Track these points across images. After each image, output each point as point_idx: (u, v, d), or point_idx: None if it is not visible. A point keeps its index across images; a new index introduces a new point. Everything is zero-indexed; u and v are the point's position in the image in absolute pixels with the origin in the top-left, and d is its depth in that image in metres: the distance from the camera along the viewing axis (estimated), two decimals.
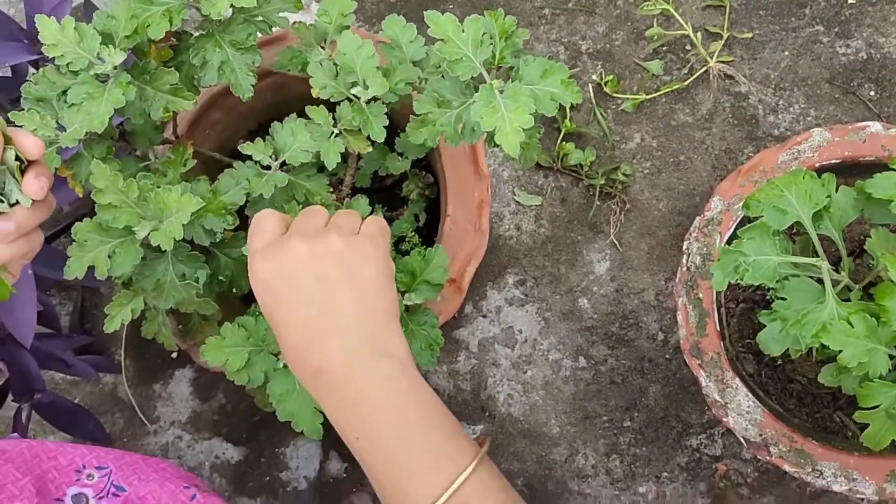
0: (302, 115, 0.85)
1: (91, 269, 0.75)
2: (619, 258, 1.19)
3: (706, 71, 1.21)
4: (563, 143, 1.20)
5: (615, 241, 1.19)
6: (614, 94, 1.23)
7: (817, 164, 0.95)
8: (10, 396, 1.02)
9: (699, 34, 1.21)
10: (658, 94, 1.22)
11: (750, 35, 1.23)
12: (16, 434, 1.01)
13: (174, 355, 1.22)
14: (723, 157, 1.20)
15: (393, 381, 0.64)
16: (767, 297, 0.98)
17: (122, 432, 1.21)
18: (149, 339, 0.90)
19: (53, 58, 0.76)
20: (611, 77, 1.22)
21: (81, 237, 0.74)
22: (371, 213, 0.82)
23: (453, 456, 0.62)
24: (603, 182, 1.19)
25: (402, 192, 1.04)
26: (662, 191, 1.20)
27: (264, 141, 0.85)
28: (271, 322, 0.66)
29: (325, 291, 0.64)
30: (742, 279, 0.76)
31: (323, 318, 0.64)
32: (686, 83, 1.22)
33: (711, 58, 1.20)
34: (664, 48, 1.24)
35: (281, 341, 0.66)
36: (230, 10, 0.77)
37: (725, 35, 1.22)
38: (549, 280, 1.20)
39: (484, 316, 1.19)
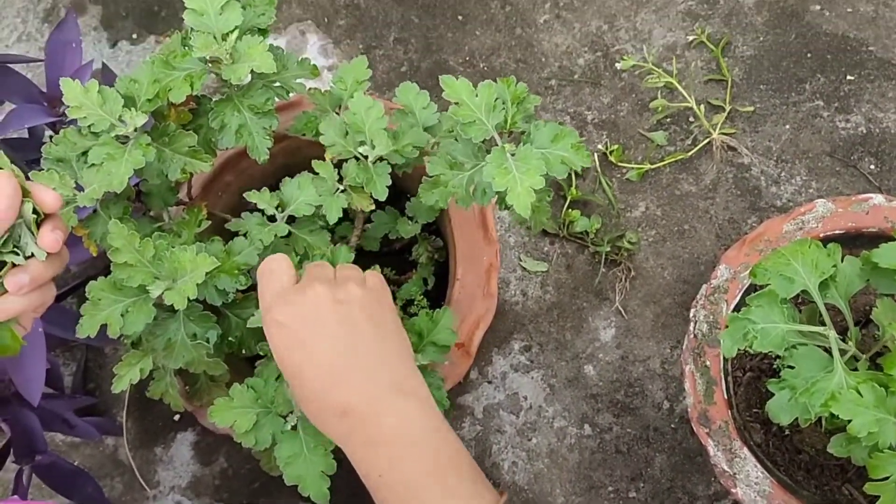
0: (311, 174, 0.87)
1: (101, 327, 0.75)
2: (624, 325, 1.19)
3: (709, 142, 1.23)
4: (569, 210, 1.22)
5: (620, 308, 1.20)
6: (619, 164, 1.25)
7: (821, 235, 0.96)
8: (12, 457, 1.01)
9: (702, 107, 1.24)
10: (662, 163, 1.24)
11: (752, 108, 1.26)
12: (16, 497, 1.00)
13: (176, 417, 1.22)
14: (727, 227, 1.22)
15: (418, 420, 0.64)
16: (774, 367, 0.98)
17: (122, 497, 1.19)
18: (153, 400, 0.90)
19: (73, 120, 0.77)
20: (616, 146, 1.25)
21: (95, 295, 0.75)
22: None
23: (478, 499, 0.62)
24: (608, 249, 1.20)
25: (412, 257, 1.05)
26: (667, 259, 1.21)
27: (272, 194, 0.87)
28: (287, 368, 0.65)
29: (348, 334, 0.65)
30: (751, 346, 0.76)
31: (348, 359, 0.64)
32: (690, 154, 1.24)
33: (714, 130, 1.22)
34: (668, 120, 1.27)
35: (299, 385, 0.65)
36: (249, 75, 0.79)
37: (728, 108, 1.25)
38: (554, 346, 1.19)
39: (489, 382, 1.19)
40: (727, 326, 0.78)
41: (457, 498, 0.62)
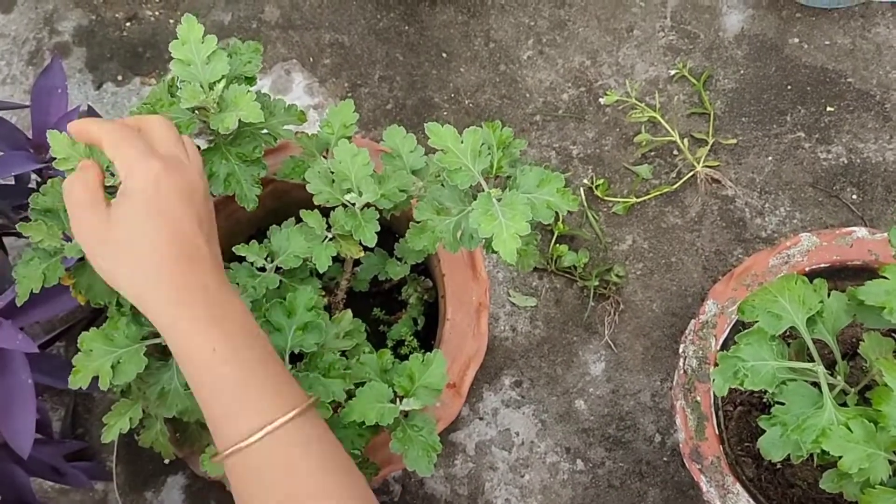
0: (300, 220, 0.87)
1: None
2: (614, 359, 1.20)
3: (693, 175, 1.25)
4: (557, 245, 1.22)
5: (610, 342, 1.20)
6: (605, 198, 1.26)
7: (807, 269, 0.97)
8: None
9: (686, 140, 1.25)
10: (648, 197, 1.25)
11: (734, 141, 1.27)
12: None
13: (167, 462, 1.20)
14: (713, 259, 1.22)
15: (246, 312, 0.66)
16: (765, 401, 0.99)
17: None
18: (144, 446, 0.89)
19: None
20: (601, 181, 1.26)
21: (87, 346, 0.75)
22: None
23: (286, 397, 0.64)
24: (597, 283, 1.21)
25: (401, 297, 1.05)
26: (655, 292, 1.22)
27: (260, 245, 0.87)
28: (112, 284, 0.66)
29: (151, 260, 0.64)
30: (742, 385, 0.77)
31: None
32: (675, 187, 1.25)
33: (698, 163, 1.24)
34: (652, 153, 1.28)
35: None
36: (237, 123, 0.80)
37: (711, 141, 1.26)
38: (545, 381, 1.20)
39: (481, 418, 1.19)
40: (717, 364, 0.79)
41: (274, 391, 0.64)
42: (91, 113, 1.22)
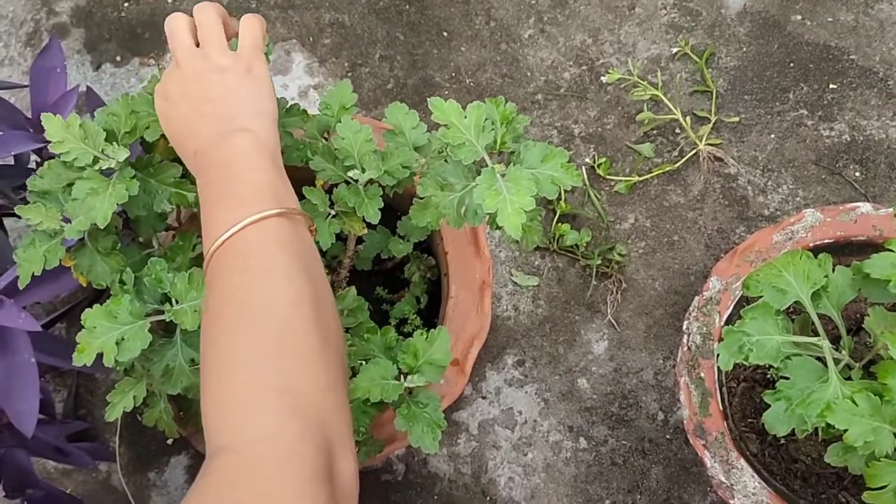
0: (301, 198, 0.86)
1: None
2: (616, 338, 1.20)
3: (696, 153, 1.24)
4: (559, 224, 1.22)
5: (612, 320, 1.20)
6: (607, 177, 1.25)
7: (811, 244, 0.97)
8: (2, 492, 1.00)
9: (688, 118, 1.25)
10: (650, 175, 1.25)
11: (737, 119, 1.26)
12: None
13: (170, 441, 1.21)
14: (715, 237, 1.22)
15: (240, 149, 0.70)
16: (768, 377, 0.99)
17: None
18: (146, 426, 0.89)
19: None
20: (603, 160, 1.25)
21: (91, 323, 0.74)
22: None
23: (253, 206, 0.66)
24: (599, 262, 1.20)
25: (404, 275, 1.05)
26: (657, 270, 1.22)
27: None
28: (165, 129, 0.75)
29: (208, 96, 0.73)
30: (747, 359, 0.77)
31: (203, 114, 0.72)
32: (677, 165, 1.25)
33: (701, 141, 1.23)
34: (654, 132, 1.27)
35: (172, 139, 0.75)
36: None
37: (713, 119, 1.26)
38: (547, 360, 1.20)
39: (483, 397, 1.19)
40: (722, 339, 0.78)
41: (250, 200, 0.67)
42: (90, 93, 1.21)
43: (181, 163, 0.82)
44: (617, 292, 1.21)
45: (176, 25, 0.75)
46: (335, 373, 0.63)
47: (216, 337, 0.62)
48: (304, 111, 0.87)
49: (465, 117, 0.78)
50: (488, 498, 1.15)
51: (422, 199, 0.80)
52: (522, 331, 1.21)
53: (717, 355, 0.79)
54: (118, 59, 1.40)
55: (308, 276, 0.65)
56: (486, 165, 0.77)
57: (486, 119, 0.78)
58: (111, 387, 1.23)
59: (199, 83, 0.73)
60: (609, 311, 1.21)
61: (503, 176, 0.76)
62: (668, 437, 1.15)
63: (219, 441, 0.57)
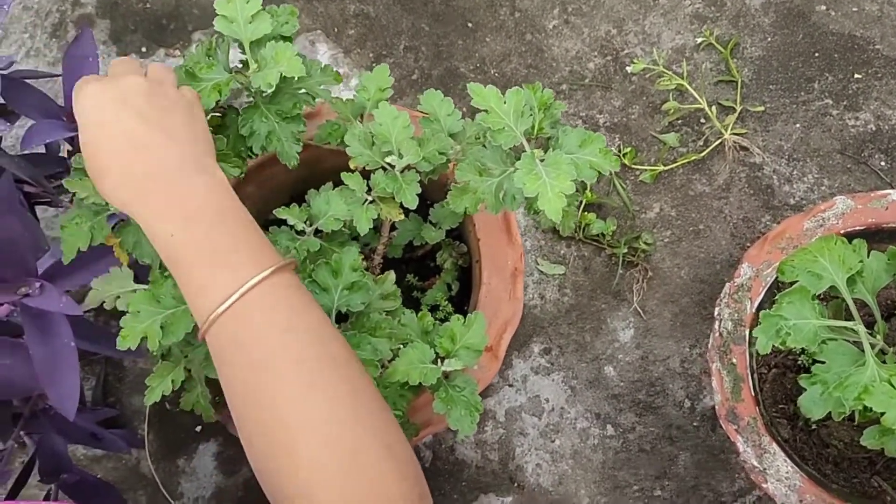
0: (337, 185, 0.87)
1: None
2: (643, 326, 1.20)
3: (721, 143, 1.25)
4: (585, 213, 1.23)
5: (639, 308, 1.21)
6: (633, 166, 1.26)
7: (842, 231, 0.98)
8: (38, 476, 1.01)
9: (713, 108, 1.25)
10: (675, 165, 1.25)
11: (762, 108, 1.27)
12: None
13: (198, 429, 1.21)
14: (741, 226, 1.23)
15: (217, 192, 0.66)
16: (799, 363, 0.99)
17: None
18: (174, 412, 0.90)
19: None
20: (629, 149, 1.26)
21: (135, 308, 0.75)
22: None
23: (259, 262, 0.63)
24: (625, 251, 1.21)
25: (436, 262, 1.05)
26: (683, 259, 1.22)
27: (300, 208, 0.88)
28: (92, 138, 0.67)
29: (160, 115, 0.68)
30: (784, 343, 0.77)
31: (158, 133, 0.67)
32: (702, 154, 1.25)
33: (726, 130, 1.24)
34: (679, 121, 1.28)
35: (100, 151, 0.66)
36: (279, 78, 0.80)
37: (739, 108, 1.26)
38: (574, 348, 1.20)
39: (510, 385, 1.20)
40: (759, 323, 0.79)
41: (240, 256, 0.63)
42: None
43: (224, 137, 0.83)
44: (643, 281, 1.22)
45: (121, 60, 0.74)
46: (393, 416, 0.64)
47: (273, 397, 0.60)
48: (337, 73, 0.87)
49: (505, 103, 0.79)
50: (516, 484, 1.16)
51: (459, 184, 0.81)
52: (549, 319, 1.22)
53: (750, 340, 0.79)
54: (143, 50, 1.41)
55: (328, 321, 0.66)
56: (525, 151, 0.78)
57: (524, 104, 0.79)
58: (139, 374, 1.25)
59: (150, 100, 0.68)
60: (635, 299, 1.21)
61: (542, 161, 0.77)
62: (695, 423, 1.16)
63: (303, 497, 0.57)
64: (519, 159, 0.77)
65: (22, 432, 1.03)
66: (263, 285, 0.62)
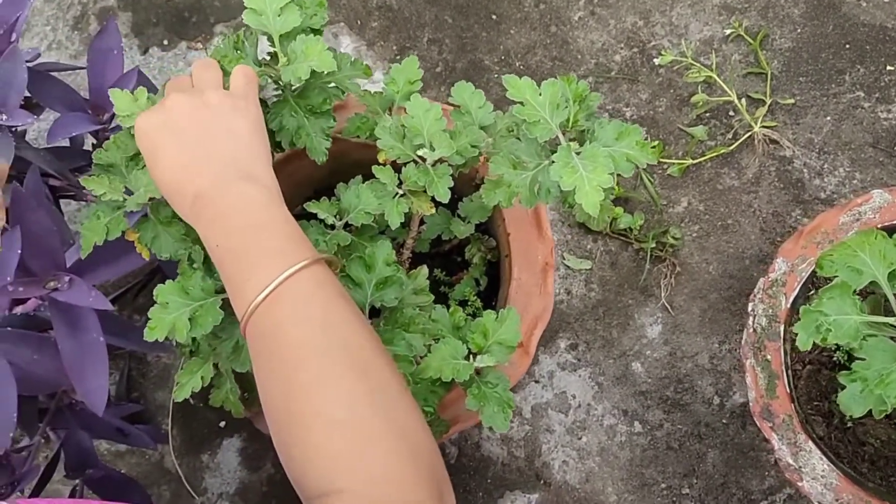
0: (365, 179, 0.86)
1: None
2: (671, 322, 1.19)
3: (750, 136, 1.23)
4: (612, 207, 1.21)
5: (666, 304, 1.19)
6: (660, 160, 1.24)
7: (879, 225, 0.96)
8: (64, 472, 1.01)
9: (743, 100, 1.23)
10: (704, 158, 1.24)
11: (792, 101, 1.25)
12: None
13: (222, 424, 1.21)
14: (771, 221, 1.21)
15: (255, 200, 0.68)
16: (834, 359, 0.98)
17: None
18: (197, 407, 0.89)
19: (115, 127, 0.77)
20: (656, 142, 1.24)
21: (163, 299, 0.74)
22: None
23: (295, 256, 0.65)
24: (653, 245, 1.19)
25: (465, 257, 1.04)
26: (712, 254, 1.21)
27: (330, 202, 0.87)
28: (152, 168, 0.71)
29: (200, 134, 0.70)
30: (825, 340, 0.76)
31: (199, 153, 0.70)
32: (731, 148, 1.23)
33: (756, 123, 1.22)
34: (707, 114, 1.26)
35: (161, 179, 0.71)
36: (309, 73, 0.79)
37: (768, 101, 1.24)
38: (601, 344, 1.19)
39: (536, 381, 1.18)
40: (799, 319, 0.77)
41: (279, 252, 0.65)
42: (140, 75, 1.21)
43: None
44: (671, 276, 1.20)
45: (174, 78, 0.76)
46: (420, 411, 0.64)
47: (303, 386, 0.61)
48: (367, 66, 0.86)
49: (540, 95, 0.77)
50: (542, 481, 1.15)
51: (493, 178, 0.80)
52: (575, 314, 1.20)
53: (785, 336, 0.78)
54: (165, 42, 1.40)
55: (362, 315, 0.66)
56: (559, 144, 0.77)
57: (560, 96, 0.78)
58: (163, 370, 1.24)
59: (190, 120, 0.71)
60: (663, 294, 1.20)
61: (578, 154, 0.75)
62: (724, 421, 1.14)
63: (327, 485, 0.57)
64: (554, 152, 0.76)
65: (48, 428, 1.03)
66: (298, 277, 0.63)
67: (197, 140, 0.70)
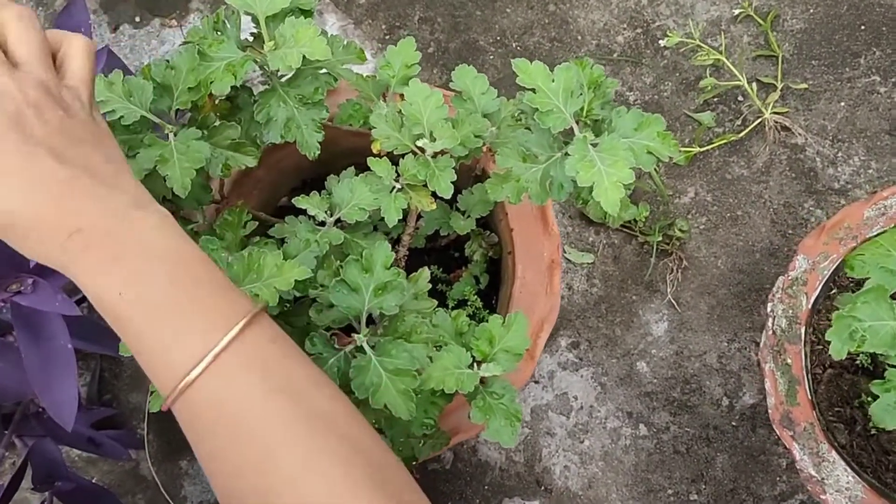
0: (357, 169, 0.79)
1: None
2: (677, 319, 1.13)
3: (760, 122, 1.17)
4: (630, 204, 1.14)
5: (673, 300, 1.13)
6: None
7: None
8: (31, 484, 0.94)
9: (753, 85, 1.17)
10: (711, 146, 1.17)
11: (804, 86, 1.19)
12: None
13: None
14: (782, 212, 1.15)
15: (162, 229, 0.54)
16: (857, 363, 0.92)
17: None
18: None
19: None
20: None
21: None
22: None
23: (231, 309, 0.53)
24: (659, 238, 1.13)
25: (465, 253, 0.97)
26: (720, 247, 1.15)
27: (320, 195, 0.80)
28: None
29: (62, 143, 0.52)
30: (860, 347, 0.70)
31: (63, 171, 0.51)
32: (740, 135, 1.17)
33: (766, 109, 1.15)
34: (715, 99, 1.20)
35: (12, 227, 0.51)
36: (300, 61, 0.71)
37: (780, 86, 1.18)
38: (604, 343, 1.13)
39: (536, 382, 1.12)
40: (831, 325, 0.72)
41: (207, 308, 0.52)
42: (110, 54, 1.13)
43: (236, 122, 0.75)
44: (677, 271, 1.14)
45: None
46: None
47: (286, 480, 0.50)
48: (361, 50, 0.79)
49: (553, 81, 0.71)
50: (543, 487, 1.09)
51: (500, 171, 0.73)
52: (577, 311, 1.14)
53: (806, 339, 0.72)
54: (137, 19, 1.31)
55: (323, 373, 0.57)
56: (573, 134, 0.70)
57: (575, 82, 0.71)
58: (137, 369, 1.16)
59: (41, 120, 0.51)
60: (669, 290, 1.14)
61: (594, 146, 0.69)
62: (733, 423, 1.09)
63: None
64: (568, 144, 0.70)
65: (13, 436, 0.95)
66: (239, 342, 0.52)
67: (58, 151, 0.51)
